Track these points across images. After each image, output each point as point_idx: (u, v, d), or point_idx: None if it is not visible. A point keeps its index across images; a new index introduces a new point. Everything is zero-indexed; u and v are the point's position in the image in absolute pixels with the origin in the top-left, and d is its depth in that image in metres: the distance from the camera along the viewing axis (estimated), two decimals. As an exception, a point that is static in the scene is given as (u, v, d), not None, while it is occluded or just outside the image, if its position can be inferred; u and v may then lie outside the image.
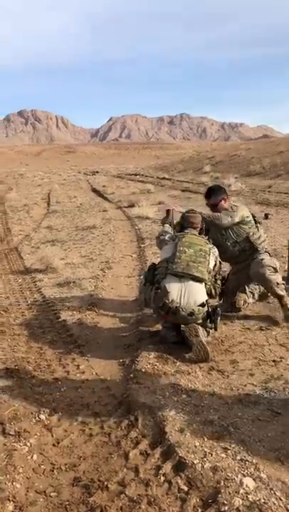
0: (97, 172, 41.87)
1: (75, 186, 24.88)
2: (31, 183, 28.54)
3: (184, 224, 4.15)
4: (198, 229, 4.13)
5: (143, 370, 3.48)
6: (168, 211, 4.73)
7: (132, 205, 13.68)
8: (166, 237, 4.14)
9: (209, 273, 3.87)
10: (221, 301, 4.51)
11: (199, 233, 4.12)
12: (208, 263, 3.86)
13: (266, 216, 9.01)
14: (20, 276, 6.57)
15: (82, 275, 6.29)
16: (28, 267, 7.01)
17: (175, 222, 4.47)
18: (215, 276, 3.98)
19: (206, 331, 3.84)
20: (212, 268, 3.91)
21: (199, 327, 3.70)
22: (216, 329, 3.90)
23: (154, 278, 3.93)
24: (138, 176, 31.20)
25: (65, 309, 5.00)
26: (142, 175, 32.57)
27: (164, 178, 27.04)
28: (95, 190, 21.69)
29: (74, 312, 4.91)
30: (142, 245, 8.17)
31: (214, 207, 4.51)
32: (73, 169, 51.17)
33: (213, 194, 4.53)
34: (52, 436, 2.82)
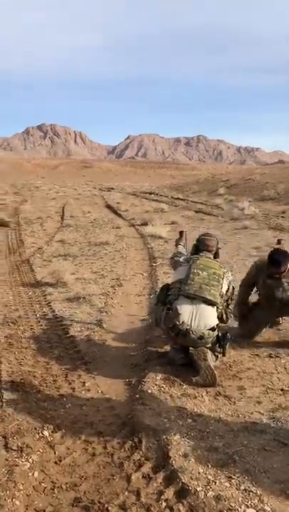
0: (112, 188, 42.17)
1: (90, 201, 25.06)
2: (46, 196, 28.79)
3: (199, 246, 4.15)
4: (213, 252, 4.13)
5: (149, 391, 3.45)
6: (181, 232, 4.76)
7: (145, 224, 13.72)
8: (181, 259, 4.15)
9: (222, 297, 3.85)
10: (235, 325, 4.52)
11: (214, 257, 4.12)
12: (221, 287, 3.85)
13: (279, 242, 8.98)
14: (30, 289, 6.60)
15: (93, 291, 6.29)
16: (38, 280, 7.04)
17: (186, 243, 4.49)
18: (227, 300, 3.97)
19: (215, 355, 3.81)
20: (225, 292, 3.90)
21: (208, 351, 3.67)
22: (224, 354, 3.87)
23: (166, 298, 3.93)
24: (152, 195, 31.34)
25: (74, 325, 5.00)
26: (157, 194, 32.70)
27: (178, 198, 27.12)
28: (109, 207, 21.82)
29: (82, 328, 4.91)
30: (154, 264, 8.17)
31: (279, 273, 4.31)
32: (89, 184, 51.64)
33: (283, 263, 4.27)
34: (54, 453, 2.80)
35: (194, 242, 4.31)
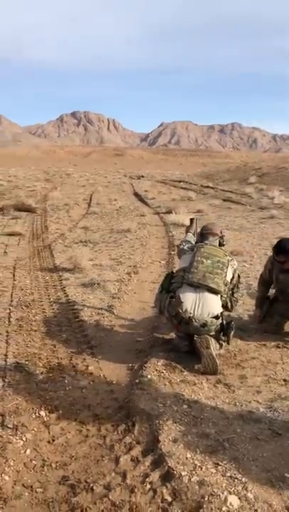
0: (143, 176, 42.10)
1: (118, 189, 25.12)
2: (76, 184, 29.05)
3: (202, 232, 4.12)
4: (218, 237, 4.09)
5: (149, 377, 3.47)
6: (192, 220, 4.72)
7: (170, 212, 13.67)
8: (186, 247, 4.13)
9: (226, 285, 3.82)
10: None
11: (219, 245, 4.08)
12: (226, 275, 3.81)
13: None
14: (48, 274, 6.71)
15: (108, 277, 6.34)
16: (57, 265, 7.15)
17: (196, 231, 4.45)
18: (232, 289, 3.93)
19: (219, 343, 3.79)
20: (229, 280, 3.86)
21: (211, 339, 3.65)
22: (228, 343, 3.84)
23: (170, 286, 3.93)
24: (182, 183, 31.13)
25: (85, 310, 5.07)
26: (186, 182, 32.46)
27: (207, 187, 26.84)
28: (136, 194, 21.82)
29: (93, 313, 4.97)
30: (172, 252, 8.14)
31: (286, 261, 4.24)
32: (119, 172, 51.75)
33: None
34: (48, 433, 2.87)
35: (198, 231, 4.27)
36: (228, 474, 2.42)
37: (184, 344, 3.88)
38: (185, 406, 3.10)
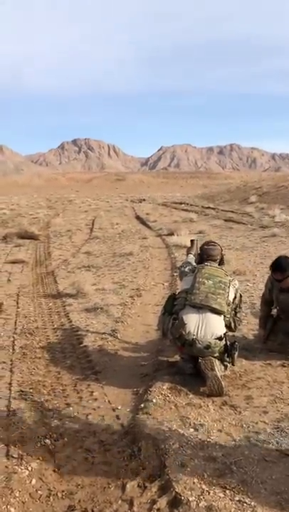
0: (144, 200, 42.43)
1: (120, 213, 25.30)
2: (78, 209, 29.28)
3: (202, 256, 4.14)
4: (218, 260, 4.11)
5: (154, 401, 3.44)
6: (192, 241, 4.75)
7: (171, 234, 13.74)
8: (186, 269, 4.15)
9: (228, 305, 3.82)
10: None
11: (219, 264, 4.10)
12: (228, 295, 3.82)
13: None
14: (51, 300, 6.72)
15: (111, 301, 6.35)
16: (60, 291, 7.16)
17: (197, 252, 4.47)
18: (235, 309, 3.93)
19: (224, 364, 3.77)
20: (232, 300, 3.87)
21: (216, 360, 3.63)
22: (233, 364, 3.82)
23: (172, 308, 3.93)
24: (183, 205, 31.33)
25: (89, 335, 5.06)
26: (187, 203, 32.67)
27: (208, 208, 26.99)
28: (138, 218, 21.97)
29: (96, 338, 4.96)
30: (175, 274, 8.15)
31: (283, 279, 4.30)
32: (121, 197, 52.18)
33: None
34: (54, 461, 2.83)
35: (198, 252, 4.30)
36: (237, 498, 2.38)
37: (189, 366, 3.86)
38: (191, 429, 3.06)
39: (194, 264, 4.25)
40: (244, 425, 3.13)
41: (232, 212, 22.47)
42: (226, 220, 18.35)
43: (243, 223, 16.63)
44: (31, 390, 3.74)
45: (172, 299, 4.02)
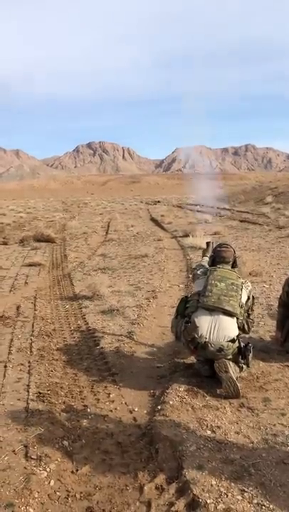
0: (159, 202, 42.47)
1: (135, 215, 25.36)
2: (94, 212, 29.45)
3: (215, 258, 4.12)
4: (231, 262, 4.09)
5: (171, 403, 3.44)
6: (208, 243, 4.74)
7: (187, 235, 13.72)
8: (199, 272, 4.14)
9: (241, 307, 3.80)
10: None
11: (232, 266, 4.08)
12: (240, 297, 3.80)
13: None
14: (68, 303, 6.77)
15: (127, 303, 6.37)
16: (76, 294, 7.21)
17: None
18: (248, 311, 3.90)
19: (239, 366, 3.75)
20: (244, 302, 3.84)
21: (230, 362, 3.61)
22: (248, 365, 3.79)
23: (185, 311, 3.92)
24: (198, 206, 31.28)
25: (105, 337, 5.08)
26: (202, 205, 32.61)
27: (223, 209, 26.90)
28: (153, 220, 21.99)
29: (113, 340, 4.98)
30: (191, 275, 8.14)
31: None
32: (136, 199, 52.30)
33: None
34: (72, 463, 2.85)
35: (211, 254, 4.28)
36: (255, 501, 2.37)
37: (205, 368, 3.85)
38: (208, 431, 3.06)
39: (207, 266, 4.24)
40: (262, 427, 3.11)
41: (247, 213, 22.34)
42: (241, 221, 18.25)
43: (259, 224, 16.51)
44: (49, 392, 3.77)
45: (184, 301, 4.02)
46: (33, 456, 2.84)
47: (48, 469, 2.74)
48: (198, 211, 26.26)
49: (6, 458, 2.82)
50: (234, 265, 4.12)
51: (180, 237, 14.04)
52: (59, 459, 2.86)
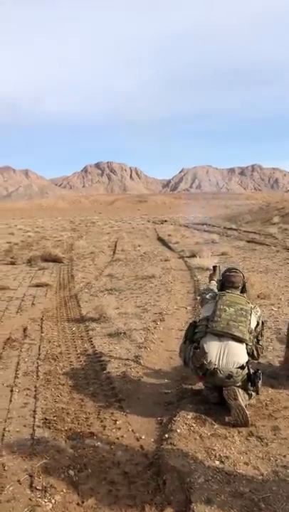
0: (166, 221, 42.66)
1: (142, 235, 25.44)
2: (101, 231, 29.60)
3: (224, 283, 4.10)
4: (240, 288, 4.06)
5: (178, 431, 3.38)
6: (214, 267, 4.71)
7: (194, 255, 13.71)
8: (208, 296, 4.11)
9: (250, 333, 3.75)
10: None
11: (241, 291, 4.05)
12: (250, 323, 3.75)
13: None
14: (74, 324, 6.74)
15: (134, 326, 6.33)
16: (83, 315, 7.18)
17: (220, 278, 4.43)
18: (257, 336, 3.86)
19: (248, 393, 3.68)
20: (253, 328, 3.80)
21: (239, 390, 3.56)
22: (257, 393, 3.73)
23: (193, 336, 3.89)
24: (205, 226, 31.35)
25: (112, 361, 5.03)
26: (209, 224, 32.69)
27: (230, 229, 26.92)
28: (160, 239, 22.04)
29: (119, 364, 4.93)
30: (198, 297, 8.09)
31: None
32: (143, 218, 52.56)
33: None
34: (78, 494, 2.80)
35: (220, 278, 4.26)
36: (266, 538, 2.29)
37: (213, 395, 3.79)
38: (217, 462, 2.99)
39: (216, 290, 4.21)
40: (271, 458, 3.04)
41: (254, 233, 22.33)
42: (248, 242, 18.23)
43: (267, 244, 16.48)
44: (55, 418, 3.72)
45: (193, 326, 3.98)
46: (38, 487, 2.79)
47: (53, 501, 2.69)
48: (205, 231, 26.31)
49: (10, 488, 2.77)
50: (243, 290, 4.09)
51: (187, 257, 14.04)
52: (64, 490, 2.81)
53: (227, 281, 4.07)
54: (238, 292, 4.00)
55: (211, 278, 4.60)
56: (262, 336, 3.91)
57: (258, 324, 3.85)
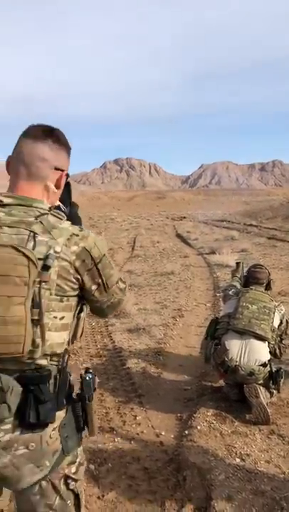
0: (185, 217, 42.49)
1: (161, 231, 25.41)
2: (120, 228, 29.65)
3: (248, 279, 4.06)
4: (264, 284, 4.02)
5: (198, 428, 3.37)
6: (238, 264, 4.67)
7: (213, 252, 13.64)
8: (230, 292, 4.08)
9: (273, 331, 3.71)
10: None
11: (266, 289, 4.00)
12: (272, 321, 3.71)
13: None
14: (94, 320, 6.76)
15: (153, 322, 6.32)
16: (103, 311, 7.20)
17: (243, 274, 4.39)
18: (281, 335, 3.81)
19: (269, 391, 3.64)
20: (277, 326, 3.75)
21: (260, 387, 3.52)
22: (278, 391, 3.69)
23: (215, 333, 3.86)
24: (224, 222, 31.15)
25: (131, 356, 5.04)
26: (229, 221, 32.46)
27: (250, 225, 26.70)
28: (179, 236, 21.98)
29: (139, 360, 4.93)
30: (218, 294, 8.04)
31: None
32: (162, 214, 52.45)
33: None
34: (98, 488, 2.81)
35: (245, 274, 4.22)
36: (287, 537, 2.27)
37: (234, 392, 3.76)
38: (238, 459, 2.97)
39: (239, 287, 4.17)
40: (293, 457, 3.01)
41: (275, 229, 22.09)
42: (269, 238, 18.05)
43: (288, 241, 16.29)
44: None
45: (215, 323, 3.96)
46: (58, 480, 2.81)
47: (73, 494, 2.70)
48: (224, 227, 26.14)
49: (32, 480, 2.80)
50: (268, 287, 4.04)
51: (206, 253, 13.97)
52: (85, 484, 2.81)
53: (252, 277, 4.03)
54: (262, 289, 3.96)
55: (233, 274, 4.56)
56: (286, 334, 3.86)
57: (281, 323, 3.80)
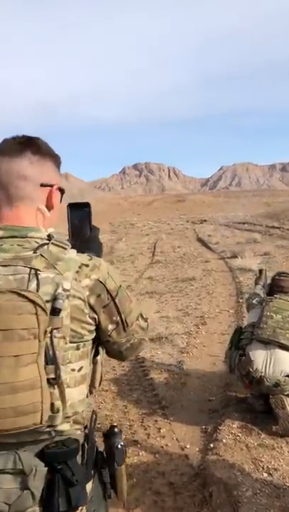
0: (205, 220, 42.21)
1: (181, 236, 25.30)
2: (140, 233, 29.64)
3: (273, 287, 3.99)
4: None
5: (224, 441, 3.32)
6: (261, 271, 4.58)
7: (235, 256, 13.49)
8: (254, 301, 4.01)
9: (299, 341, 3.62)
10: None
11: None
12: None
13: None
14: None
15: (176, 330, 6.27)
16: (125, 320, 7.19)
17: (266, 282, 4.32)
18: None
19: (296, 402, 3.56)
20: None
21: (287, 398, 3.44)
22: (305, 402, 3.59)
23: (239, 342, 3.80)
24: (246, 225, 30.81)
25: (154, 367, 5.01)
26: (250, 223, 32.11)
27: (273, 227, 26.34)
28: (199, 240, 21.84)
29: (162, 370, 4.90)
30: (241, 300, 7.94)
31: None
32: (182, 218, 52.23)
33: None
34: (123, 504, 2.78)
35: (268, 282, 4.15)
36: None
37: (260, 403, 3.69)
38: (265, 474, 2.91)
39: (262, 295, 4.10)
40: None
41: (298, 231, 21.77)
42: (292, 240, 17.78)
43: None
44: (99, 425, 3.73)
45: (239, 332, 3.89)
46: (83, 496, 2.79)
47: (99, 510, 2.68)
48: (246, 230, 25.89)
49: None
50: None
51: (228, 258, 13.83)
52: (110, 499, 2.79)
53: (276, 286, 3.96)
54: (287, 298, 3.88)
55: (256, 282, 4.48)
56: None
57: (307, 333, 3.71)
